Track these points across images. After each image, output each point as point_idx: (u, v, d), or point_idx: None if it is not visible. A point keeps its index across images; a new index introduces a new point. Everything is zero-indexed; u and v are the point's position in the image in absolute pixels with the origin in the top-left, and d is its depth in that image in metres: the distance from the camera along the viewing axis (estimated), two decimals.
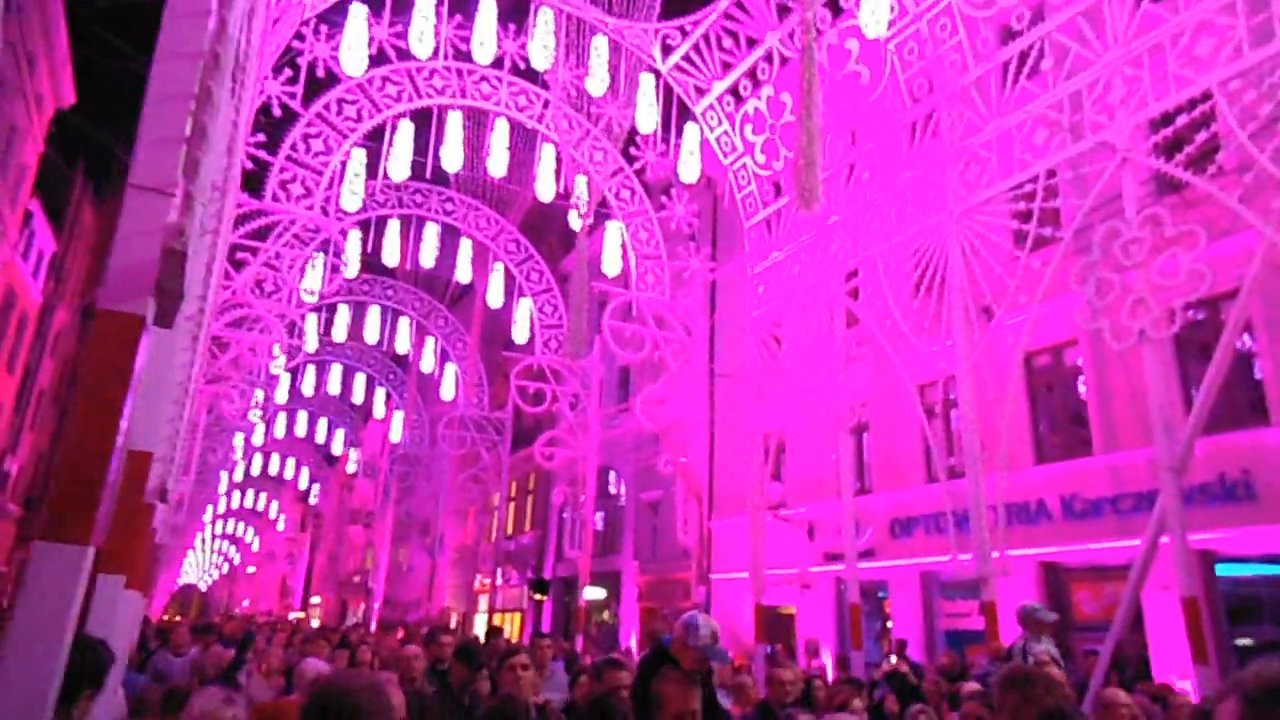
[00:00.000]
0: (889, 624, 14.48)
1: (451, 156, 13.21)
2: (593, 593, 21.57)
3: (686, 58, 13.04)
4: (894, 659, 9.45)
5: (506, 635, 9.54)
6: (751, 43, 12.45)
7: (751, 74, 12.71)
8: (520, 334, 18.91)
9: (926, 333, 10.24)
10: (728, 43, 12.59)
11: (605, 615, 23.72)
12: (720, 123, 13.17)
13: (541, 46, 12.15)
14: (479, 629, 26.30)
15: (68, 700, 2.01)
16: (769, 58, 12.29)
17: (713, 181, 16.51)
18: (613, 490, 24.65)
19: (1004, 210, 9.79)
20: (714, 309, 19.72)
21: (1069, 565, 11.57)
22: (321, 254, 14.71)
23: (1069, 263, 8.38)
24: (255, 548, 61.55)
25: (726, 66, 12.85)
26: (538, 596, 25.31)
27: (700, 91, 13.25)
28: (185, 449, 10.88)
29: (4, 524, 26.58)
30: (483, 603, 29.28)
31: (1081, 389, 11.95)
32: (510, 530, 29.66)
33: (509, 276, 18.75)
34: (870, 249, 11.11)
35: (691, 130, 13.36)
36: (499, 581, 28.32)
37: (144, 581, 6.98)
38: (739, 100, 13.02)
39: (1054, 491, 11.49)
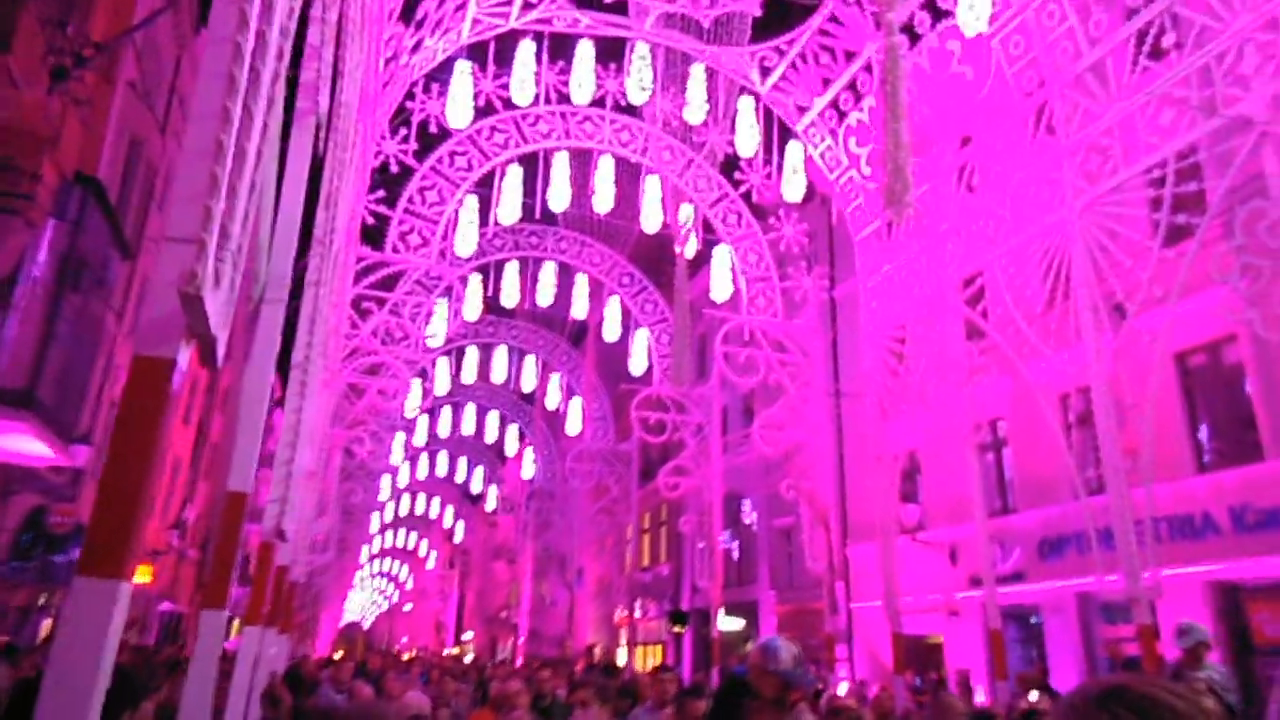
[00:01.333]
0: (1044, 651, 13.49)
1: (559, 196, 13.57)
2: (728, 623, 21.22)
3: (785, 77, 12.91)
4: (1035, 694, 8.74)
5: (623, 669, 9.16)
6: (849, 55, 12.20)
7: (852, 86, 12.43)
8: (638, 365, 19.07)
9: (1059, 339, 9.57)
10: (825, 58, 12.38)
11: (747, 647, 23.28)
12: (823, 139, 12.93)
13: (638, 82, 12.33)
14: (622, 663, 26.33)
15: None
16: (869, 68, 11.99)
17: (827, 200, 16.21)
18: (746, 519, 24.29)
19: (1136, 199, 9.08)
20: (835, 328, 19.23)
21: (1245, 583, 10.43)
22: (444, 300, 15.34)
23: (1212, 250, 7.65)
24: (410, 586, 64.31)
25: (826, 82, 12.63)
26: (676, 629, 25.19)
27: (801, 110, 13.06)
28: (319, 491, 11.54)
29: (186, 567, 28.95)
30: (624, 635, 29.40)
31: (1247, 389, 10.85)
32: (646, 562, 29.73)
33: (625, 309, 19.00)
34: (989, 254, 10.54)
35: (794, 149, 13.18)
36: (637, 614, 28.37)
37: (279, 618, 7.38)
38: (841, 115, 12.75)
39: (1221, 502, 10.44)
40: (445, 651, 44.10)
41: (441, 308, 15.44)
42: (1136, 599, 6.96)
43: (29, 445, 11.85)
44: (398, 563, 59.75)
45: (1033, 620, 13.87)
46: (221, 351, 2.42)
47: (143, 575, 22.14)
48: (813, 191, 18.26)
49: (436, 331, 15.23)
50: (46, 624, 16.85)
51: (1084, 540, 11.43)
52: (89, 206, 12.35)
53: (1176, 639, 5.84)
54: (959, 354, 11.05)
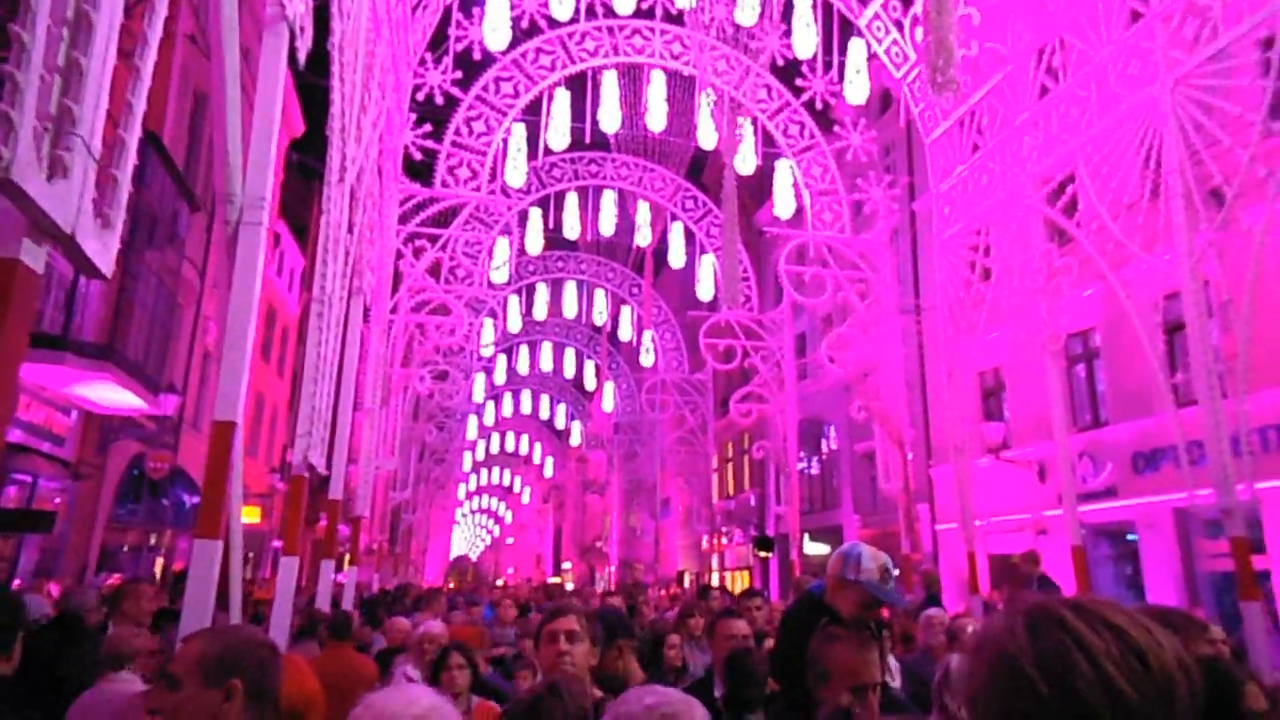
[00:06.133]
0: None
1: (609, 117, 13.08)
2: (813, 548, 21.04)
3: None
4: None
5: (717, 592, 8.45)
6: None
7: None
8: (705, 292, 18.61)
9: (1153, 237, 8.68)
10: None
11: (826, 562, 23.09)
12: (888, 32, 12.00)
13: None
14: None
15: None
16: None
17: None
18: (833, 445, 23.88)
19: (1240, 67, 8.04)
20: (915, 242, 18.32)
21: None
22: (505, 237, 15.19)
23: None
24: (509, 520, 66.59)
25: None
26: (762, 554, 25.21)
27: (863, 1, 12.13)
28: (382, 429, 11.71)
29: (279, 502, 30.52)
30: (714, 562, 29.70)
31: None
32: (731, 490, 29.77)
33: (689, 234, 18.46)
34: (1072, 146, 9.61)
35: (857, 47, 12.29)
36: (724, 541, 28.55)
37: (336, 550, 7.49)
38: (907, 3, 11.78)
39: None
40: (549, 581, 45.64)
41: (504, 244, 15.30)
42: (1230, 512, 6.35)
43: (117, 395, 12.40)
44: (496, 499, 61.81)
45: (1128, 537, 13.15)
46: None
47: (250, 515, 23.47)
48: (889, 99, 17.16)
49: (500, 266, 15.12)
50: (159, 562, 17.99)
51: (1178, 453, 10.65)
52: (150, 161, 12.60)
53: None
54: (1040, 260, 10.22)
